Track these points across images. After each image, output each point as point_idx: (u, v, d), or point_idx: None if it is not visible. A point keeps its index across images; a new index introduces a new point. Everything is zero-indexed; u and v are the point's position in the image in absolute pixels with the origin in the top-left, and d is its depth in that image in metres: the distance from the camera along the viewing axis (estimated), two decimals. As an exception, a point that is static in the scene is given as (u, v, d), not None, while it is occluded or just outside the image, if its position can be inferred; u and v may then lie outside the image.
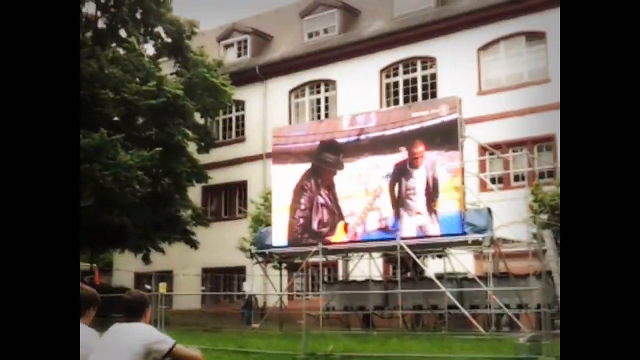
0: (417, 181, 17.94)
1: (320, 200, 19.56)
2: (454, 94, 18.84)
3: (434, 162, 17.74)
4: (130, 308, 5.14)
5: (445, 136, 17.60)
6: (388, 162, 18.52)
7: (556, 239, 16.14)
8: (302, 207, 19.79)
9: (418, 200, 17.89)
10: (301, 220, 19.79)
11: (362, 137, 19.17)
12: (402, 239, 17.90)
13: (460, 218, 17.08)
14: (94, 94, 21.77)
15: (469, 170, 18.84)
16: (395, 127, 18.63)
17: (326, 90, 27.72)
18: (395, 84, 25.74)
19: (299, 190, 19.97)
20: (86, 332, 4.75)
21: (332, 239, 19.25)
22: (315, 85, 28.03)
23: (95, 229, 22.55)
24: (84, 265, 26.43)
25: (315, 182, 19.74)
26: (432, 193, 17.63)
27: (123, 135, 21.40)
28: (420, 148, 18.05)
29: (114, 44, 24.38)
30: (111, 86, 22.37)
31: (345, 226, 19.10)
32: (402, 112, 19.60)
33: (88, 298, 4.95)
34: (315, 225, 19.53)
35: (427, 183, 17.77)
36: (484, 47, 23.65)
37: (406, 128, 18.42)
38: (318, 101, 27.95)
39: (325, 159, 19.76)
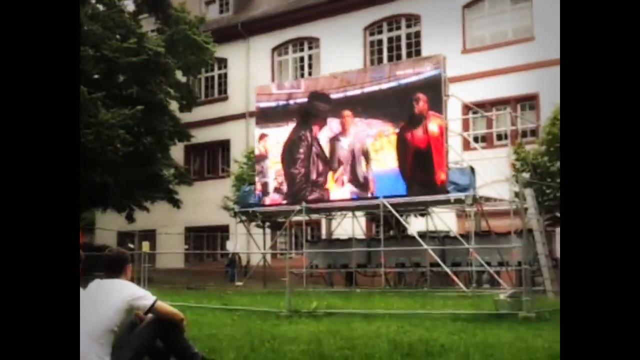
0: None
1: (315, 150, 19.54)
2: (438, 52, 18.72)
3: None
4: (110, 264, 5.16)
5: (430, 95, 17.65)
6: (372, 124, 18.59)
7: (537, 198, 16.29)
8: (301, 157, 19.68)
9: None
10: (302, 170, 19.68)
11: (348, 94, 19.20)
12: (385, 197, 17.97)
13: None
14: (73, 50, 21.38)
15: (453, 129, 18.86)
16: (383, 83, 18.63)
17: (309, 48, 27.44)
18: (380, 42, 25.53)
19: (294, 142, 19.83)
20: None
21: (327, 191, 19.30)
22: (298, 42, 27.72)
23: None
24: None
25: (310, 132, 19.65)
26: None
27: (104, 94, 21.09)
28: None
29: (93, 0, 23.85)
30: (91, 43, 21.94)
31: (336, 178, 19.20)
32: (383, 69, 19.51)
33: None
34: (314, 176, 19.51)
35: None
36: (469, 5, 23.46)
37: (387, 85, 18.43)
38: (301, 59, 27.69)
39: (317, 108, 19.67)
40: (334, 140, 19.23)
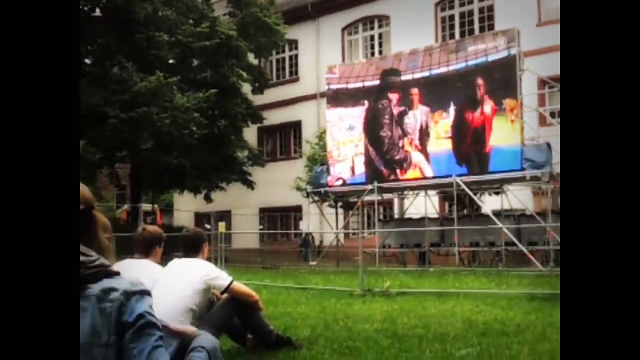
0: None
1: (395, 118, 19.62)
2: (512, 26, 18.24)
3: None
4: (188, 244, 5.32)
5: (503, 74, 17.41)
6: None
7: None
8: (386, 122, 19.72)
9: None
10: (389, 133, 19.71)
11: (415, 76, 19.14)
12: (458, 175, 17.75)
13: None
14: (149, 36, 21.93)
15: (528, 104, 18.38)
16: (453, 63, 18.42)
17: (379, 27, 27.20)
18: (451, 17, 25.04)
19: (375, 112, 19.90)
20: (153, 269, 4.95)
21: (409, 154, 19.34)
22: (368, 21, 27.52)
23: (155, 170, 23.12)
24: (146, 207, 27.21)
25: (389, 102, 19.66)
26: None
27: (179, 78, 21.58)
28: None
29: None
30: (165, 28, 22.48)
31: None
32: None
33: (154, 237, 5.14)
34: (397, 140, 19.59)
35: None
36: (544, -24, 22.67)
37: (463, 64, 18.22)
38: (372, 38, 27.50)
39: (392, 82, 19.65)
40: (403, 114, 19.26)
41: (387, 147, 19.51)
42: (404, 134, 19.25)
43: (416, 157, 19.05)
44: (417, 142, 18.90)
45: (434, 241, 19.36)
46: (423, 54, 19.24)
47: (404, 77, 19.25)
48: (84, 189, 1.99)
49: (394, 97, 19.52)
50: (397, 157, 19.36)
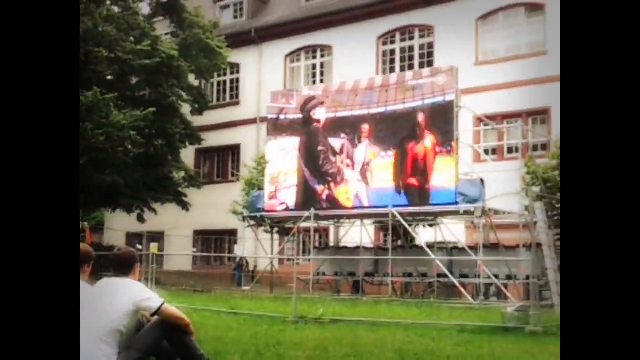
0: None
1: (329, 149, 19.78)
2: (451, 64, 18.73)
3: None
4: (119, 264, 5.17)
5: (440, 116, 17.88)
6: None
7: (547, 212, 16.20)
8: (321, 148, 19.85)
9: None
10: (322, 160, 19.84)
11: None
12: (395, 206, 17.95)
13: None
14: (87, 51, 21.48)
15: (464, 140, 18.83)
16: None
17: (322, 56, 27.50)
18: (392, 52, 25.55)
19: (312, 140, 20.11)
20: (81, 288, 4.77)
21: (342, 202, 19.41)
22: (311, 50, 27.79)
23: (87, 187, 22.46)
24: (76, 224, 26.44)
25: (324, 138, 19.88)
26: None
27: (116, 95, 21.20)
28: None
29: (109, 2, 23.99)
30: (105, 44, 22.08)
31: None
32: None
33: (83, 255, 4.97)
34: (330, 168, 19.71)
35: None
36: (483, 17, 23.45)
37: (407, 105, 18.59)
38: (314, 66, 27.75)
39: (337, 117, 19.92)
40: (344, 148, 19.42)
41: (322, 161, 19.67)
42: (337, 152, 19.46)
43: (348, 174, 19.21)
44: (358, 172, 19.06)
45: (368, 270, 19.45)
46: (366, 90, 19.53)
47: (346, 113, 19.48)
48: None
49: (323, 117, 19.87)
50: (331, 171, 19.52)
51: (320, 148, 19.79)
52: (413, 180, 18.00)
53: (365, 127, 19.05)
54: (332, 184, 19.49)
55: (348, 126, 19.32)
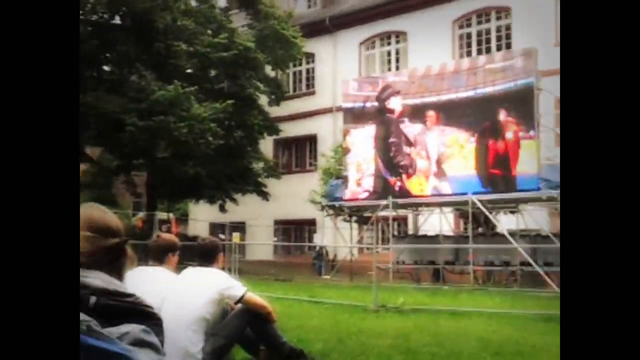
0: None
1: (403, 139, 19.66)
2: (530, 46, 18.15)
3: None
4: (203, 253, 5.29)
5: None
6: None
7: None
8: (392, 140, 19.71)
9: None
10: (394, 154, 19.77)
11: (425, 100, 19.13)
12: (474, 194, 17.64)
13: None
14: (167, 45, 22.08)
15: (545, 124, 18.26)
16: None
17: (397, 42, 27.21)
18: (469, 35, 25.01)
19: (384, 131, 19.96)
20: (167, 276, 4.92)
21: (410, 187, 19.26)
22: (386, 36, 27.54)
23: (171, 179, 23.20)
24: (162, 215, 27.29)
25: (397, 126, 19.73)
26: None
27: (196, 88, 21.69)
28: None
29: (187, -4, 24.56)
30: (184, 38, 22.62)
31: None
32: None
33: (167, 245, 5.13)
34: (404, 160, 19.61)
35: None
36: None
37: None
38: (389, 53, 27.51)
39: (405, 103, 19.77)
40: (418, 136, 19.22)
41: (394, 153, 19.51)
42: (411, 143, 19.26)
43: (422, 164, 19.00)
44: (434, 161, 18.83)
45: (448, 259, 19.20)
46: (437, 76, 19.23)
47: (419, 99, 19.24)
48: (118, 223, 1.99)
49: (398, 107, 19.65)
50: (402, 163, 19.34)
51: (392, 139, 19.63)
52: (495, 167, 17.61)
53: (443, 113, 18.75)
54: (404, 176, 19.33)
55: (428, 111, 19.07)
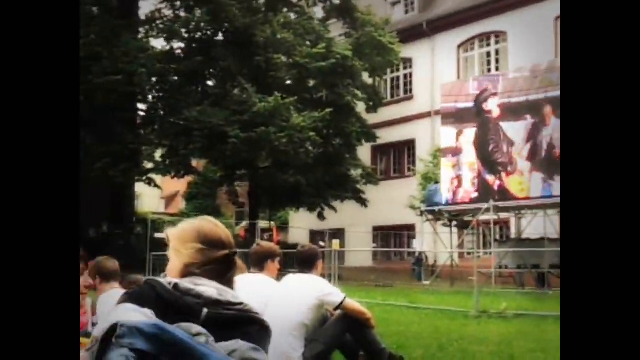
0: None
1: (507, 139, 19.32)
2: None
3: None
4: (303, 260, 5.44)
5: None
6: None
7: None
8: (491, 137, 19.48)
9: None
10: (491, 149, 19.50)
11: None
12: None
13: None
14: (267, 59, 22.69)
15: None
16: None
17: (496, 43, 26.69)
18: (573, 32, 24.13)
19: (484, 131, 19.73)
20: (267, 283, 5.13)
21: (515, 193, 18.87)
22: (485, 37, 27.07)
23: (272, 188, 23.78)
24: (264, 223, 27.99)
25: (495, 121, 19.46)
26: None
27: (295, 98, 22.14)
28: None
29: (285, 9, 25.12)
30: (283, 51, 23.17)
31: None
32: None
33: (267, 252, 5.33)
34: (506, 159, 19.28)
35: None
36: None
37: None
38: (488, 54, 27.02)
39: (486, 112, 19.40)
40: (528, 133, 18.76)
41: (492, 149, 19.14)
42: (512, 143, 18.82)
43: (521, 164, 18.52)
44: (538, 160, 18.31)
45: (553, 262, 18.60)
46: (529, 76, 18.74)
47: (538, 95, 18.79)
48: (228, 235, 2.12)
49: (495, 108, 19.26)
50: (500, 160, 18.94)
51: (491, 137, 19.29)
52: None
53: (548, 110, 18.19)
54: (503, 175, 18.93)
55: (533, 109, 18.59)
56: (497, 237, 22.75)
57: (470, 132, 20.05)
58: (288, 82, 24.42)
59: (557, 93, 17.68)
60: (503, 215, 21.37)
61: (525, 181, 18.51)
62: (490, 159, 19.30)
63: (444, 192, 20.27)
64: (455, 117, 20.49)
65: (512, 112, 19.04)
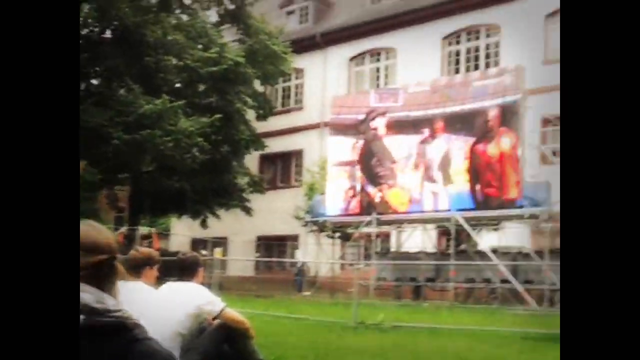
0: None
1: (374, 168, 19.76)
2: (518, 63, 18.38)
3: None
4: (183, 267, 5.33)
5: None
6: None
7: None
8: (375, 152, 19.94)
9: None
10: (374, 163, 19.92)
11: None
12: (458, 211, 17.76)
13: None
14: (157, 60, 22.14)
15: (530, 142, 18.46)
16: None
17: (386, 59, 27.44)
18: (457, 53, 25.25)
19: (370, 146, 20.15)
20: (145, 290, 4.96)
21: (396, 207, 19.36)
22: (375, 53, 27.76)
23: (155, 194, 23.15)
24: (144, 230, 27.19)
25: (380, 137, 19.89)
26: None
27: (184, 102, 21.74)
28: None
29: (178, 11, 24.64)
30: (174, 53, 22.69)
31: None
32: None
33: (145, 258, 5.17)
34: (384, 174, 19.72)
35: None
36: (552, 14, 22.76)
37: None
38: (378, 69, 27.71)
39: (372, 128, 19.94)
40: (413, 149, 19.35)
41: (374, 163, 19.68)
42: (395, 158, 19.40)
43: (406, 177, 19.12)
44: (433, 173, 18.90)
45: (429, 276, 19.30)
46: (429, 91, 19.40)
47: (418, 112, 19.41)
48: (109, 239, 2.04)
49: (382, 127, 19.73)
50: (382, 174, 19.48)
51: (375, 151, 19.82)
52: (485, 183, 17.66)
53: (438, 125, 18.85)
54: (384, 187, 19.48)
55: (419, 126, 19.20)
56: (378, 249, 23.31)
57: (350, 145, 20.53)
58: (177, 85, 23.94)
59: (455, 108, 18.39)
60: (385, 228, 21.93)
61: (406, 195, 19.09)
62: (372, 172, 19.79)
63: (338, 203, 20.52)
64: (344, 130, 20.86)
65: (404, 126, 19.56)
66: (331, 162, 21.18)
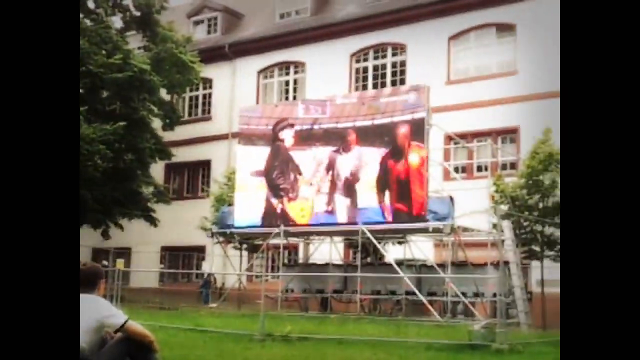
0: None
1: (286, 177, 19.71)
2: (423, 82, 18.91)
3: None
4: (84, 279, 5.08)
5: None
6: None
7: (514, 230, 16.39)
8: (277, 163, 19.83)
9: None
10: (276, 175, 19.84)
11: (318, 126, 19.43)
12: (364, 224, 17.98)
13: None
14: (57, 64, 21.31)
15: (434, 158, 18.99)
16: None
17: (295, 72, 27.58)
18: (365, 69, 25.72)
19: (277, 159, 20.01)
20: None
21: (296, 219, 19.30)
22: (284, 66, 27.86)
23: (54, 201, 22.17)
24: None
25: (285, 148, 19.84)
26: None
27: (86, 108, 21.00)
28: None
29: (81, 15, 23.83)
30: (76, 57, 21.92)
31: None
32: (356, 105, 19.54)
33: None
34: (292, 187, 19.62)
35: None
36: (455, 36, 23.72)
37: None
38: (287, 83, 27.81)
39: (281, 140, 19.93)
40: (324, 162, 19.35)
41: (276, 176, 19.66)
42: (299, 172, 19.44)
43: (304, 191, 19.18)
44: (340, 186, 18.92)
45: (336, 288, 19.42)
46: (338, 105, 19.53)
47: (330, 124, 19.45)
48: None
49: (289, 138, 19.80)
50: (283, 186, 19.51)
51: (277, 163, 19.81)
52: (394, 197, 17.88)
53: (351, 138, 18.92)
54: (285, 200, 19.48)
55: (331, 139, 19.25)
56: (286, 261, 23.27)
57: (257, 154, 20.40)
58: (80, 90, 23.10)
59: (385, 120, 18.50)
60: (292, 240, 21.93)
61: (308, 207, 19.11)
62: (274, 183, 19.76)
63: (246, 214, 20.24)
64: (253, 140, 20.73)
65: (315, 138, 19.55)
66: (239, 172, 20.96)
